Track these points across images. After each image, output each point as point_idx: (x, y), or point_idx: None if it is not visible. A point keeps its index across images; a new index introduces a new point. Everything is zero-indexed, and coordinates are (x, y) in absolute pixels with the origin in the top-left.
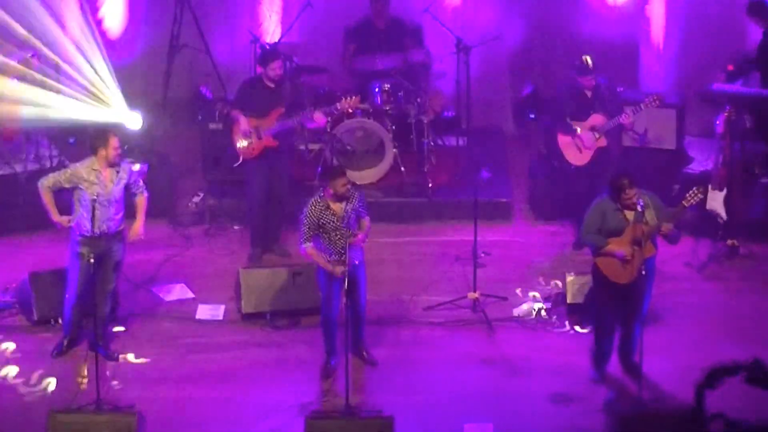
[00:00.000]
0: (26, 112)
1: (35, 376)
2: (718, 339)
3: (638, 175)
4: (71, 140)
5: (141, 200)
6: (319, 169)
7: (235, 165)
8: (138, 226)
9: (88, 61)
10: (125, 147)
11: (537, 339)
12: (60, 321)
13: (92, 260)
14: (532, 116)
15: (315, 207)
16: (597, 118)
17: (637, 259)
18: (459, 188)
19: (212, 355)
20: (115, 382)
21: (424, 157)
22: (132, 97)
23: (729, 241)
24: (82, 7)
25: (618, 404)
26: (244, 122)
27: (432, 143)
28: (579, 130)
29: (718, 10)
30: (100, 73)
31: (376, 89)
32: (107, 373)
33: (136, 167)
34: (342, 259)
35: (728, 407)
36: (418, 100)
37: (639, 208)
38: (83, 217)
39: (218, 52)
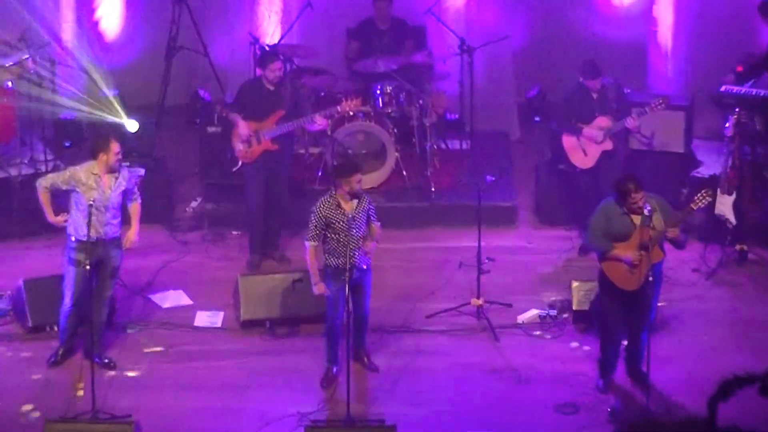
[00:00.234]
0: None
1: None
2: (726, 347)
3: (645, 179)
4: (67, 144)
5: (135, 207)
6: (320, 173)
7: (234, 169)
8: (132, 233)
9: (85, 62)
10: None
11: (542, 347)
12: (55, 328)
13: (88, 266)
14: (537, 119)
15: (325, 204)
16: (602, 121)
17: (644, 264)
18: (462, 192)
19: (210, 363)
20: (111, 391)
21: (427, 160)
22: (129, 100)
23: (738, 247)
24: (78, 8)
25: (625, 414)
26: (243, 125)
27: (435, 146)
28: (584, 132)
29: (727, 11)
30: (96, 75)
31: (378, 91)
32: (104, 381)
33: (140, 171)
34: (351, 262)
35: (742, 419)
36: (421, 102)
37: (646, 212)
38: (79, 221)
39: (217, 53)
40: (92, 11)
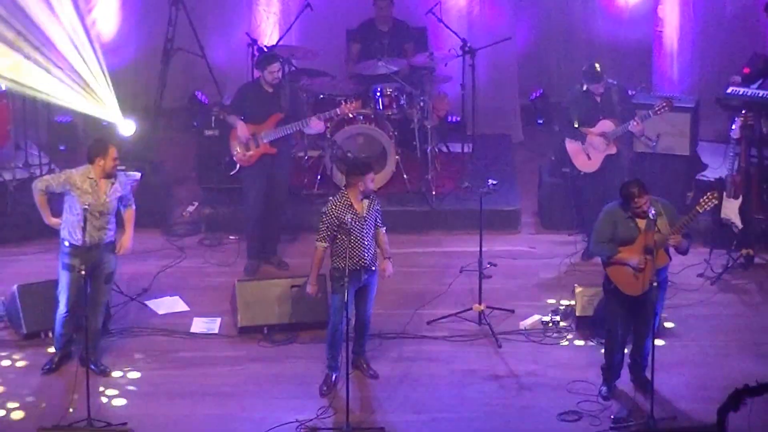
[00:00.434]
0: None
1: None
2: (732, 353)
3: (651, 182)
4: (62, 147)
5: (129, 213)
6: (319, 176)
7: (232, 173)
8: (126, 240)
9: (82, 63)
10: None
11: (545, 353)
12: (50, 335)
13: (83, 272)
14: (541, 121)
15: (337, 204)
16: (606, 124)
17: (649, 268)
18: (464, 196)
19: (207, 370)
20: (106, 398)
21: (428, 163)
22: (125, 102)
23: (744, 251)
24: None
25: (628, 421)
26: (241, 128)
27: (436, 149)
28: (588, 136)
29: (733, 11)
30: (94, 76)
31: (378, 93)
32: (99, 388)
33: (137, 175)
34: (362, 263)
35: (751, 428)
36: (422, 104)
37: (651, 216)
38: (73, 225)
39: (214, 55)
40: (88, 11)
